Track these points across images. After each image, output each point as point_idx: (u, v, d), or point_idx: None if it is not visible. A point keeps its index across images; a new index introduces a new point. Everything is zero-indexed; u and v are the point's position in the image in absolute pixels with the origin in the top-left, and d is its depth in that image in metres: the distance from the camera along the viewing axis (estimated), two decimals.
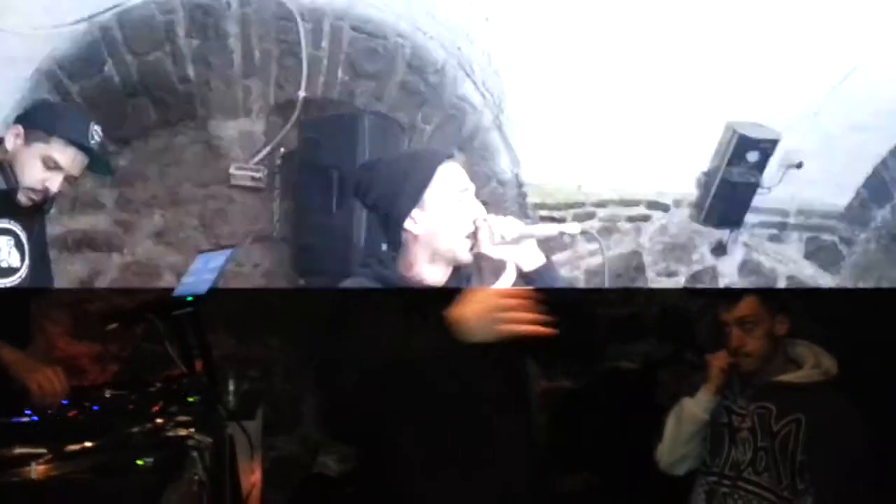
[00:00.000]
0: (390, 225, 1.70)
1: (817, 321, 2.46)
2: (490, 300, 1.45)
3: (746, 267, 3.98)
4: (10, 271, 2.06)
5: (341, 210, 3.17)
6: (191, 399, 1.96)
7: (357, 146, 3.19)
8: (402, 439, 1.58)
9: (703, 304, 3.21)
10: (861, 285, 4.03)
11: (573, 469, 3.16)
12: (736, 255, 3.99)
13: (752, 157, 3.62)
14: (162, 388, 2.09)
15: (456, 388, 1.56)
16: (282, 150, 3.48)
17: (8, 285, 2.06)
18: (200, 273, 2.54)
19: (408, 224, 1.67)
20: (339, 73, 3.36)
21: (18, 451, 1.32)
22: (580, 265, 3.71)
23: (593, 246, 3.67)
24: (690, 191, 3.76)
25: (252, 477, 2.56)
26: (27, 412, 1.71)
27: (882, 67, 3.40)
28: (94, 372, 3.40)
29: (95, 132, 2.13)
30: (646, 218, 3.86)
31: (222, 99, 3.42)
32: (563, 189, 3.70)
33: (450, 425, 1.58)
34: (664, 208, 3.89)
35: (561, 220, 3.65)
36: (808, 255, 4.06)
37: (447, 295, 1.55)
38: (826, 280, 4.04)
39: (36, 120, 2.06)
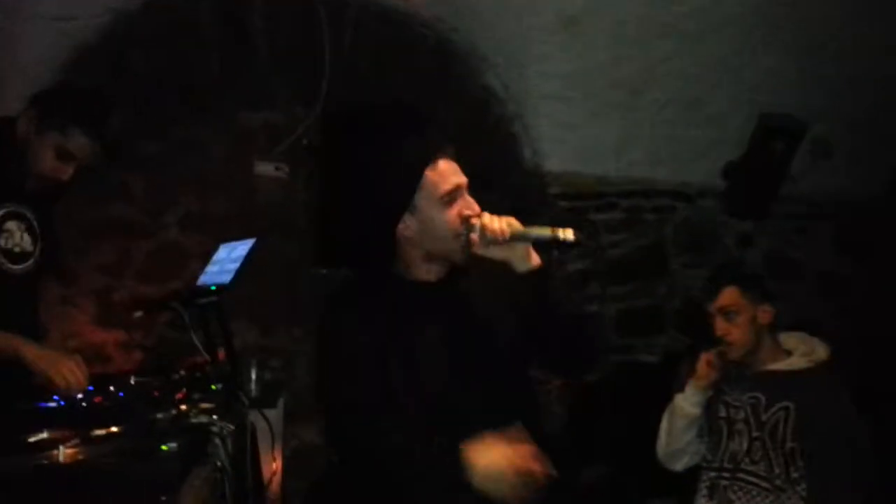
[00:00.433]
0: (376, 233, 1.71)
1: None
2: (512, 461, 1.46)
3: (772, 258, 3.92)
4: (25, 256, 2.06)
5: (362, 201, 3.18)
6: (214, 387, 1.99)
7: (379, 137, 3.20)
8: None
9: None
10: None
11: (591, 461, 3.16)
12: (761, 247, 3.93)
13: (779, 146, 3.57)
14: (186, 376, 2.12)
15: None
16: (305, 141, 3.50)
17: (22, 270, 2.06)
18: (224, 263, 2.56)
19: (400, 227, 1.66)
20: (363, 64, 3.36)
21: (47, 434, 1.35)
22: (602, 257, 3.69)
23: (617, 236, 3.65)
24: (716, 181, 3.71)
25: (272, 465, 2.58)
26: (55, 398, 1.75)
27: None
28: (119, 359, 3.45)
29: (113, 121, 2.10)
30: (670, 209, 3.82)
31: (247, 90, 3.45)
32: (585, 179, 3.67)
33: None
34: (688, 199, 3.85)
35: (584, 211, 3.63)
36: (836, 246, 4.00)
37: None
38: (854, 271, 3.98)
39: (53, 106, 2.01)
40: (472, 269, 1.70)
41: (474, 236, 1.63)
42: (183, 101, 3.41)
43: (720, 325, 2.26)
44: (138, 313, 2.70)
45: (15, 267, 2.02)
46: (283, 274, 3.61)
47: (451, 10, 3.26)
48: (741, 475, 2.19)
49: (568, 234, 1.61)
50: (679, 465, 2.34)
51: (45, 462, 1.29)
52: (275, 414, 2.71)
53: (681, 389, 2.32)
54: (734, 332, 2.24)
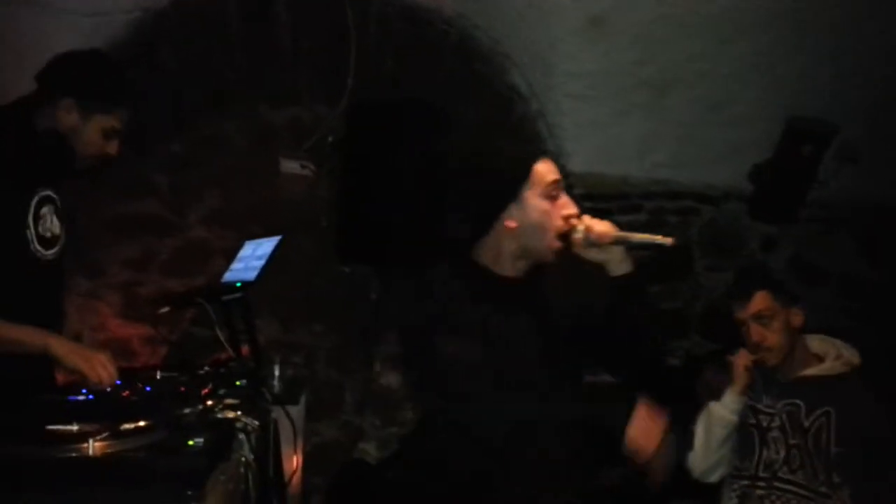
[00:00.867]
0: (483, 216, 1.72)
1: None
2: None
3: (797, 263, 3.88)
4: (55, 240, 2.06)
5: (387, 198, 3.20)
6: (238, 383, 2.00)
7: (404, 134, 3.21)
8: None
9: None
10: None
11: (612, 463, 3.14)
12: (786, 251, 3.89)
13: (807, 150, 3.52)
14: (210, 372, 2.13)
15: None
16: (329, 138, 3.51)
17: (53, 255, 2.06)
18: (248, 260, 2.58)
19: (504, 219, 1.69)
20: (387, 62, 3.37)
21: (77, 427, 1.37)
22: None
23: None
24: (741, 183, 3.67)
25: (294, 461, 2.60)
26: (83, 391, 1.77)
27: None
28: (145, 354, 3.49)
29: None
30: (694, 211, 3.79)
31: (272, 86, 3.47)
32: (608, 180, 3.65)
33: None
34: (713, 201, 3.81)
35: (607, 212, 3.61)
36: (862, 251, 3.95)
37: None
38: (879, 276, 3.92)
39: (92, 93, 2.01)
40: (549, 269, 1.75)
41: (578, 237, 1.67)
42: (209, 97, 3.44)
43: (756, 331, 2.21)
44: (164, 309, 2.72)
45: (47, 252, 2.03)
46: (306, 271, 3.64)
47: (475, 8, 3.26)
48: (779, 484, 2.15)
49: (667, 239, 1.68)
50: (715, 477, 2.29)
51: (76, 455, 1.30)
52: (296, 410, 2.72)
53: (713, 397, 2.28)
54: (771, 337, 2.20)
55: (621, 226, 1.72)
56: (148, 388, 1.83)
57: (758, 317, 2.21)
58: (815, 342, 2.28)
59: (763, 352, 2.20)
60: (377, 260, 3.35)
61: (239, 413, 1.69)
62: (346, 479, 3.45)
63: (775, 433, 2.18)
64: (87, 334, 3.30)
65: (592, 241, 1.67)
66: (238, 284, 2.46)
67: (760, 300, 2.22)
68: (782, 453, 2.15)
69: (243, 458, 1.61)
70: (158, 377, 1.99)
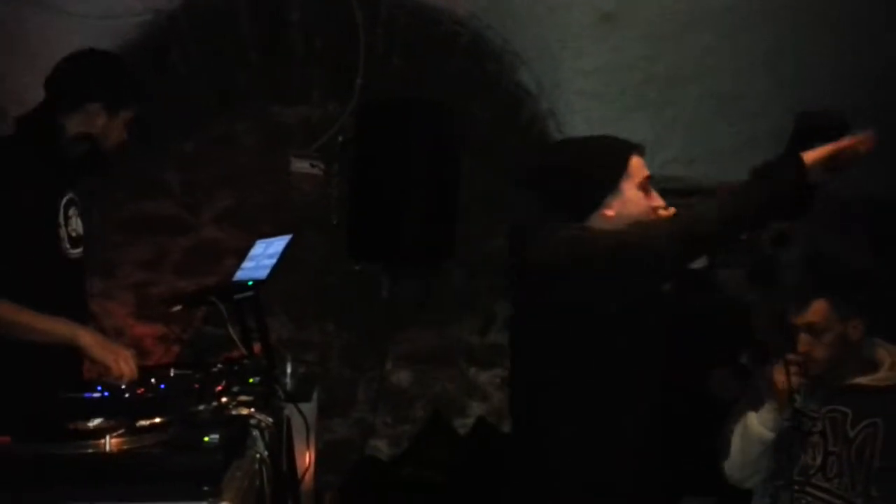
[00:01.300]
0: (579, 204, 1.76)
1: None
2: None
3: (810, 258, 3.86)
4: (80, 240, 2.15)
5: (396, 196, 3.21)
6: (251, 380, 2.01)
7: (413, 133, 3.22)
8: None
9: (758, 298, 3.12)
10: None
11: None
12: (799, 247, 3.87)
13: (817, 145, 3.50)
14: (224, 370, 2.14)
15: None
16: (340, 137, 3.52)
17: (78, 254, 2.13)
18: (260, 259, 2.60)
19: (602, 208, 1.75)
20: (397, 61, 3.38)
21: (94, 424, 1.38)
22: None
23: None
24: None
25: (307, 458, 2.61)
26: (98, 388, 1.79)
27: None
28: (158, 352, 3.52)
29: None
30: None
31: (283, 86, 3.48)
32: None
33: None
34: None
35: None
36: (876, 247, 3.92)
37: None
38: (891, 271, 3.90)
39: (118, 95, 2.14)
40: None
41: None
42: (219, 98, 3.46)
43: (804, 341, 2.10)
44: (177, 308, 2.74)
45: (74, 251, 2.12)
46: (317, 269, 3.65)
47: (484, 7, 3.26)
48: (811, 489, 2.08)
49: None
50: (751, 484, 2.22)
51: (93, 451, 1.32)
52: (309, 408, 2.73)
53: (753, 405, 2.18)
54: (819, 350, 2.09)
55: None
56: (163, 386, 1.84)
57: (810, 328, 2.10)
58: (874, 348, 2.16)
59: (809, 361, 2.10)
60: (388, 258, 3.36)
61: (253, 410, 1.70)
62: (358, 476, 3.46)
63: (815, 438, 2.09)
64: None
65: None
66: (250, 283, 2.47)
67: (817, 311, 2.10)
68: (819, 460, 2.08)
69: (258, 455, 1.62)
70: (172, 375, 2.00)
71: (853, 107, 3.40)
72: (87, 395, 1.70)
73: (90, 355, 1.89)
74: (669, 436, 1.83)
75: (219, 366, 2.19)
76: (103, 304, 3.47)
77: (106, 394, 1.73)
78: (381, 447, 3.74)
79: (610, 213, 1.74)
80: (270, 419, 1.74)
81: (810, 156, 1.81)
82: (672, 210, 1.79)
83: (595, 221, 1.76)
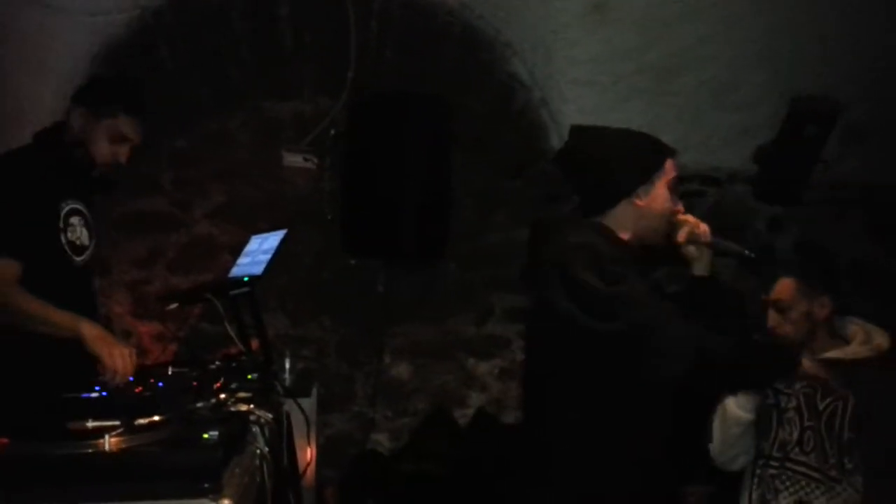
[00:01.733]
0: (612, 188, 1.82)
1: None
2: None
3: (804, 245, 3.86)
4: (84, 249, 2.21)
5: (390, 190, 3.20)
6: (250, 377, 2.01)
7: (406, 126, 3.20)
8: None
9: (756, 285, 3.13)
10: None
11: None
12: (793, 233, 3.87)
13: (811, 130, 3.50)
14: (221, 366, 2.14)
15: None
16: (332, 131, 3.51)
17: (81, 262, 2.19)
18: (255, 254, 2.59)
19: (632, 197, 1.81)
20: (388, 53, 3.36)
21: (92, 423, 1.38)
22: None
23: None
24: (747, 166, 3.65)
25: (308, 453, 2.61)
26: (96, 388, 1.78)
27: None
28: (155, 351, 3.51)
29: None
30: (700, 193, 3.78)
31: (274, 81, 3.46)
32: None
33: None
34: (718, 184, 3.80)
35: None
36: (870, 233, 3.93)
37: None
38: (887, 257, 3.91)
39: (97, 100, 2.17)
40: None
41: (685, 230, 1.83)
42: (211, 93, 3.44)
43: (772, 318, 2.18)
44: (173, 305, 2.73)
45: (77, 258, 2.18)
46: (313, 264, 3.65)
47: None
48: (790, 465, 2.13)
49: (751, 252, 1.88)
50: (737, 466, 2.26)
51: (92, 450, 1.31)
52: (308, 403, 2.73)
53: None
54: (785, 327, 2.16)
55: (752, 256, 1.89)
56: (160, 384, 1.84)
57: (776, 305, 2.17)
58: (847, 324, 2.22)
59: (777, 339, 2.17)
60: (383, 252, 3.35)
61: (252, 406, 1.69)
62: (359, 470, 3.46)
63: (791, 414, 2.15)
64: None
65: (695, 238, 1.83)
66: (245, 279, 2.46)
67: (782, 288, 2.17)
68: (796, 434, 2.13)
69: (258, 451, 1.62)
70: (170, 373, 2.00)
71: (850, 92, 3.43)
72: (84, 395, 1.70)
73: (88, 348, 1.92)
74: (674, 428, 1.84)
75: (217, 363, 2.19)
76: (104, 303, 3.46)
77: (104, 394, 1.73)
78: (381, 441, 3.75)
79: (640, 202, 1.81)
80: (270, 415, 1.74)
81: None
82: (691, 217, 1.85)
83: (622, 209, 1.81)
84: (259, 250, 2.58)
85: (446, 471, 3.29)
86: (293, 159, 3.51)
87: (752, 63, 3.32)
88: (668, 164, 1.85)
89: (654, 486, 1.75)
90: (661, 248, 1.88)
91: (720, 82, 3.38)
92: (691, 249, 1.85)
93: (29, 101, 2.26)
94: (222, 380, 1.85)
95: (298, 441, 2.30)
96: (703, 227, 1.85)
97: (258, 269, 2.48)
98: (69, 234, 2.15)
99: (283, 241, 2.52)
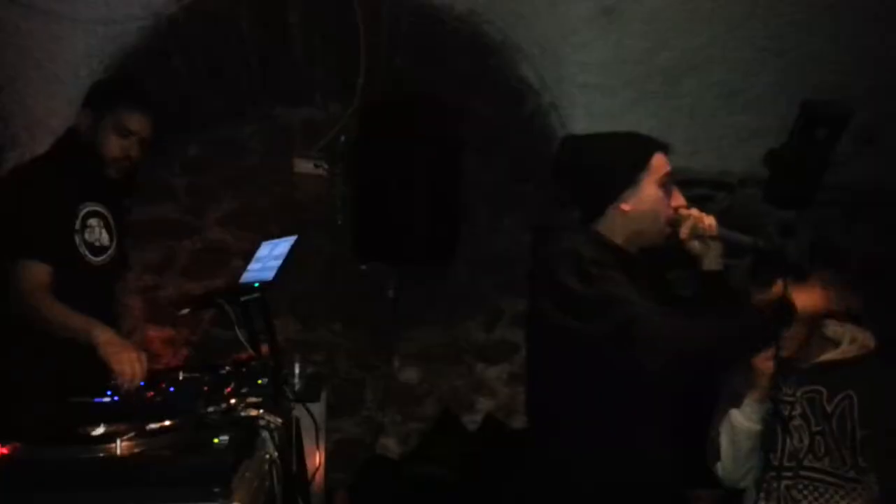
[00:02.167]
0: (596, 197, 1.79)
1: None
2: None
3: (816, 248, 3.84)
4: (103, 249, 2.27)
5: (401, 196, 3.21)
6: (260, 382, 2.02)
7: (416, 131, 3.22)
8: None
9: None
10: None
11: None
12: (805, 236, 3.85)
13: (821, 132, 3.48)
14: (232, 371, 2.16)
15: None
16: (342, 137, 3.53)
17: (100, 262, 2.26)
18: (266, 260, 2.60)
19: (622, 203, 1.77)
20: (398, 59, 3.38)
21: (104, 428, 1.39)
22: None
23: None
24: (757, 170, 3.64)
25: (317, 457, 2.62)
26: (108, 393, 1.80)
27: None
28: (167, 355, 3.54)
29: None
30: (710, 198, 3.77)
31: (285, 88, 3.49)
32: None
33: None
34: (729, 188, 3.79)
35: None
36: (881, 234, 3.90)
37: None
38: None
39: (98, 98, 2.27)
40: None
41: (687, 226, 1.76)
42: (222, 101, 3.47)
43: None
44: (184, 310, 2.75)
45: (96, 259, 2.24)
46: (323, 270, 3.66)
47: (485, 2, 3.25)
48: (805, 473, 2.10)
49: (763, 243, 1.82)
50: (745, 483, 2.22)
51: (104, 454, 1.33)
52: (317, 408, 2.74)
53: (733, 403, 2.18)
54: (795, 328, 2.07)
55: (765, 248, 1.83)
56: (171, 389, 1.86)
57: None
58: (829, 327, 2.22)
59: (783, 342, 2.09)
60: (393, 257, 3.37)
61: (262, 411, 1.71)
62: (368, 474, 3.47)
63: (797, 422, 2.13)
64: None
65: (699, 233, 1.76)
66: (256, 285, 2.47)
67: (778, 291, 2.11)
68: (806, 441, 2.11)
69: (268, 455, 1.63)
70: (181, 378, 2.02)
71: (860, 93, 3.41)
72: (96, 400, 1.72)
73: (99, 353, 1.94)
74: (678, 429, 1.83)
75: (227, 368, 2.21)
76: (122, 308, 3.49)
77: (115, 399, 1.75)
78: (390, 445, 3.75)
79: (626, 207, 1.77)
80: (279, 420, 1.75)
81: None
82: (694, 210, 1.79)
83: (610, 216, 1.79)
84: (270, 256, 2.60)
85: (455, 475, 3.30)
86: (304, 166, 3.54)
87: (762, 65, 3.31)
88: (656, 160, 1.79)
89: (656, 484, 1.74)
90: (668, 247, 1.83)
91: (730, 85, 3.37)
92: (696, 245, 1.78)
93: (43, 112, 2.30)
94: (233, 384, 1.87)
95: (308, 445, 2.31)
96: (708, 220, 1.78)
97: (269, 275, 2.49)
98: (87, 236, 2.21)
99: (293, 247, 2.53)
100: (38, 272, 2.06)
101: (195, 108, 3.42)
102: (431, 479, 3.32)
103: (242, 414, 1.66)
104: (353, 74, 3.34)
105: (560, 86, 3.43)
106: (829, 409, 2.11)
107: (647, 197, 1.77)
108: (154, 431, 1.40)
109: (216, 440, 1.38)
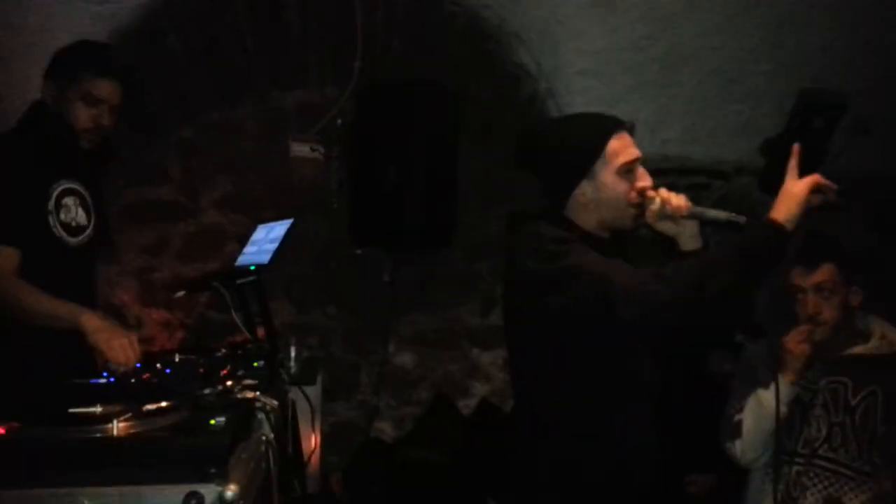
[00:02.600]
0: (553, 188, 1.76)
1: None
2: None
3: (811, 238, 3.85)
4: (81, 229, 2.17)
5: (397, 180, 3.20)
6: (255, 364, 2.03)
7: (412, 115, 3.21)
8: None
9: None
10: None
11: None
12: (800, 226, 3.86)
13: (818, 123, 3.48)
14: (228, 354, 2.16)
15: None
16: (339, 120, 3.52)
17: (78, 243, 2.16)
18: (261, 243, 2.60)
19: (575, 193, 1.72)
20: (395, 43, 3.36)
21: (101, 409, 1.40)
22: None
23: None
24: (753, 159, 3.64)
25: (312, 440, 2.63)
26: (104, 374, 1.80)
27: None
28: (162, 338, 3.54)
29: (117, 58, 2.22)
30: (706, 186, 3.77)
31: (281, 70, 3.46)
32: None
33: None
34: (725, 176, 3.79)
35: None
36: (874, 226, 3.92)
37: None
38: (891, 250, 3.89)
39: (58, 69, 2.14)
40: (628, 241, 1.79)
41: (653, 208, 1.70)
42: (218, 83, 3.44)
43: (813, 303, 2.13)
44: (180, 293, 2.75)
45: (72, 239, 2.14)
46: (319, 253, 3.66)
47: None
48: (818, 461, 2.11)
49: (741, 218, 1.70)
50: (760, 463, 2.22)
51: (100, 435, 1.33)
52: (313, 391, 2.75)
53: (760, 384, 2.15)
54: (827, 311, 2.13)
55: (742, 222, 1.71)
56: (168, 371, 1.86)
57: (819, 288, 2.14)
58: (863, 319, 2.22)
59: (814, 325, 2.12)
60: (389, 242, 3.37)
61: (258, 393, 1.71)
62: (363, 457, 3.49)
63: (818, 411, 2.13)
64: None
65: (667, 214, 1.70)
66: (252, 268, 2.48)
67: (825, 272, 2.14)
68: (824, 431, 2.11)
69: (264, 437, 1.64)
70: (177, 360, 2.02)
71: (857, 84, 3.41)
72: (93, 381, 1.72)
73: (89, 341, 1.90)
74: (670, 415, 1.84)
75: (223, 350, 2.21)
76: (105, 291, 3.48)
77: (111, 380, 1.75)
78: (385, 429, 3.77)
79: (583, 198, 1.72)
80: (275, 402, 1.76)
81: (781, 213, 1.71)
82: (661, 191, 1.71)
83: (572, 206, 1.75)
84: (266, 239, 2.60)
85: (449, 459, 3.32)
86: (300, 149, 3.52)
87: (759, 54, 3.31)
88: (614, 144, 1.70)
89: (636, 469, 1.74)
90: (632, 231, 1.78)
91: (726, 73, 3.37)
92: (668, 226, 1.73)
93: (35, 92, 2.26)
94: (229, 367, 1.87)
95: (303, 428, 2.32)
96: (677, 200, 1.70)
97: (265, 258, 2.49)
98: (62, 216, 2.10)
99: (289, 231, 2.53)
100: (7, 257, 1.95)
101: (190, 90, 3.40)
102: (426, 463, 3.34)
103: (238, 396, 1.66)
104: (349, 57, 3.32)
105: (557, 72, 3.42)
106: (853, 402, 2.10)
107: (603, 186, 1.71)
108: (151, 413, 1.40)
109: (213, 422, 1.38)
